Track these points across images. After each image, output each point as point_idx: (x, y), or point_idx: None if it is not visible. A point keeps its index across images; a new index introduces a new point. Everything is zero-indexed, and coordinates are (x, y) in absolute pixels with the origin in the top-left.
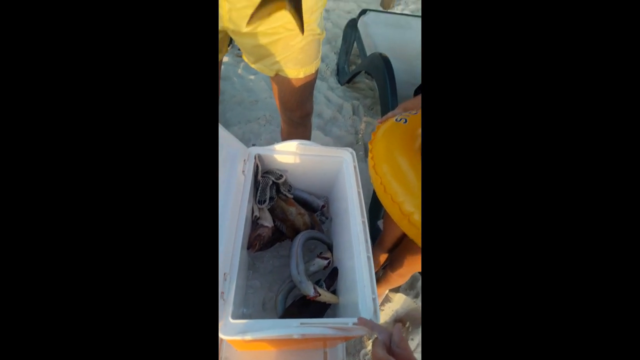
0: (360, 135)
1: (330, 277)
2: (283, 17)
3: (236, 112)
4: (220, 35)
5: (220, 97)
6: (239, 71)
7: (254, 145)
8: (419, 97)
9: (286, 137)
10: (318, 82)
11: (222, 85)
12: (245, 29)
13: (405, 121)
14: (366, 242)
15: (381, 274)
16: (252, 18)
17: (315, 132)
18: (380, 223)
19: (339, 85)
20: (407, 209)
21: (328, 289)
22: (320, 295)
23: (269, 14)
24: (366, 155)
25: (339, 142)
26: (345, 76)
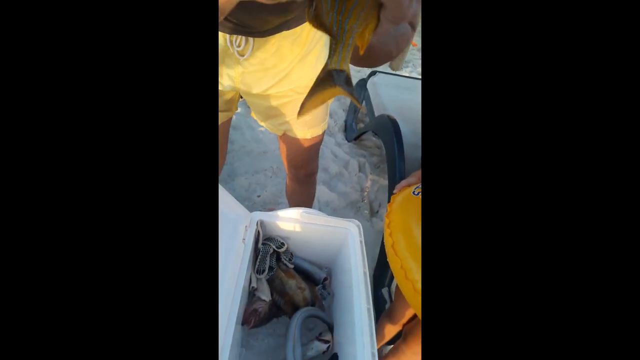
0: (365, 193)
1: None
2: (294, 82)
3: (244, 162)
4: (230, 95)
5: (230, 147)
6: (250, 122)
7: (259, 196)
8: None
9: (291, 193)
10: (326, 137)
11: (232, 135)
12: (255, 91)
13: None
14: (371, 335)
15: (390, 350)
16: (303, 108)
17: (320, 187)
18: (384, 291)
19: (346, 141)
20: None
21: None
22: None
23: (323, 101)
24: (371, 215)
25: (344, 199)
26: (353, 133)
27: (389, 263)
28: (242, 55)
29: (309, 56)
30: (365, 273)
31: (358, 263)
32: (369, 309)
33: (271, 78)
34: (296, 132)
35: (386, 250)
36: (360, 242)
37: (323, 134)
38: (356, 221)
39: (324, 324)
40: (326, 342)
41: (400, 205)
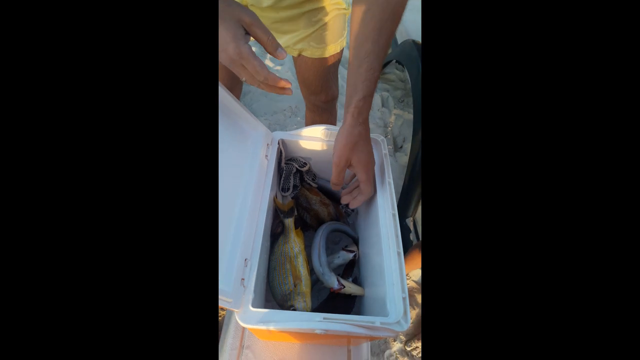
0: (389, 128)
1: (347, 269)
2: None
3: (262, 104)
4: None
5: (246, 89)
6: (266, 62)
7: None
8: None
9: (310, 124)
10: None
11: None
12: (265, 3)
13: None
14: (396, 237)
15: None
16: None
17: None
18: (408, 221)
19: None
20: None
21: (346, 280)
22: (344, 287)
23: None
24: (395, 150)
25: None
26: None
27: None
28: None
29: None
30: (389, 183)
31: (382, 173)
32: (394, 215)
33: None
34: (312, 52)
35: None
36: (385, 154)
37: (341, 52)
38: (381, 136)
39: (349, 238)
40: (352, 252)
41: None
